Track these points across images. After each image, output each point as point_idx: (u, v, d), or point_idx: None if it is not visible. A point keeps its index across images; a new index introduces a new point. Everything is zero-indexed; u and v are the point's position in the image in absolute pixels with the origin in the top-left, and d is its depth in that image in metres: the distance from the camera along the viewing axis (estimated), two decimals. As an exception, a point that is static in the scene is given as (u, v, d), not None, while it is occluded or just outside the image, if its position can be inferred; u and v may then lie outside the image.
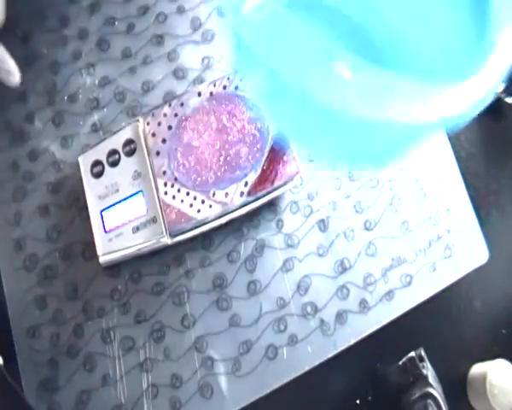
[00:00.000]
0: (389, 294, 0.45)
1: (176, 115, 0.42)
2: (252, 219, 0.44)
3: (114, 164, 0.42)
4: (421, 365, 0.82)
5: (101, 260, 0.41)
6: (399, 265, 0.46)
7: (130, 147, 0.42)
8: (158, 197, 0.41)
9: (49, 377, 0.41)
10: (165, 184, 0.41)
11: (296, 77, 0.18)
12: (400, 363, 0.84)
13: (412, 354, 0.83)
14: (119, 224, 0.41)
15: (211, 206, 0.40)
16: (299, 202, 0.46)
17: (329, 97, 0.18)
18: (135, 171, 0.41)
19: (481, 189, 0.97)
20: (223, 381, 0.42)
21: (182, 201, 0.40)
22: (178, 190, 0.41)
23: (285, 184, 0.41)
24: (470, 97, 0.20)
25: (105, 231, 0.41)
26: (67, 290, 0.43)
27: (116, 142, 0.42)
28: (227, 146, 0.41)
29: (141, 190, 0.41)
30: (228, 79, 0.42)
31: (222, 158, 0.41)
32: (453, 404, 0.83)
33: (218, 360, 0.42)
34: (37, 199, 0.44)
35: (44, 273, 0.43)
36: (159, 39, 0.47)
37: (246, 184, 0.40)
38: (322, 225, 0.45)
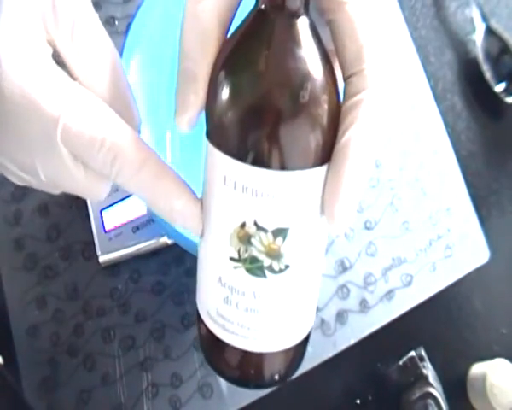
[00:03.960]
0: (389, 294, 0.45)
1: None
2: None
3: (114, 164, 0.42)
4: (421, 364, 0.82)
5: (101, 259, 0.41)
6: (400, 264, 0.46)
7: (130, 146, 0.42)
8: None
9: (49, 376, 0.41)
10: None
11: None
12: (400, 363, 0.84)
13: (412, 353, 0.83)
14: (119, 223, 0.41)
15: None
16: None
17: None
18: (135, 170, 0.41)
19: (482, 188, 0.97)
20: (223, 381, 0.42)
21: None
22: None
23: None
24: None
25: (105, 231, 0.41)
26: (67, 290, 0.43)
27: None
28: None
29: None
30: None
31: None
32: (453, 404, 0.83)
33: (218, 360, 0.42)
34: (37, 199, 0.44)
35: (44, 273, 0.43)
36: (159, 39, 0.47)
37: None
38: (323, 224, 0.45)
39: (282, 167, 0.18)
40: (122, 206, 0.41)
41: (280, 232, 0.19)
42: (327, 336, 0.44)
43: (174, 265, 0.43)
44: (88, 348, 0.42)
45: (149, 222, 0.41)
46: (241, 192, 0.18)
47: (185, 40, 0.19)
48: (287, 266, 0.20)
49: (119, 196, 0.41)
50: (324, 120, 0.18)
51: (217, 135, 0.19)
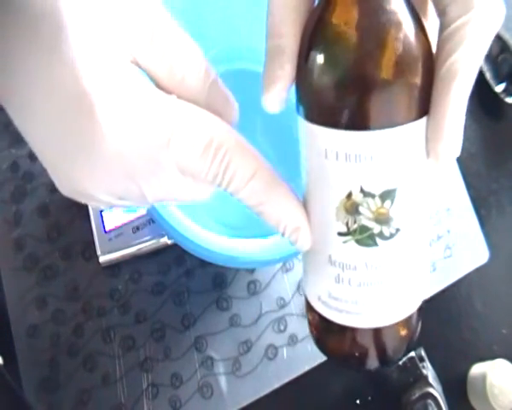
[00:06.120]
0: (389, 294, 0.45)
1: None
2: (252, 218, 0.44)
3: (114, 164, 0.42)
4: (421, 365, 0.82)
5: (101, 259, 0.41)
6: (399, 265, 0.46)
7: (131, 147, 0.42)
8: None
9: (50, 376, 0.41)
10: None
11: None
12: (400, 363, 0.84)
13: (412, 354, 0.83)
14: (119, 224, 0.41)
15: (211, 206, 0.40)
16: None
17: None
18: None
19: (481, 189, 0.97)
20: (223, 381, 0.42)
21: (182, 201, 0.40)
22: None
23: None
24: None
25: (105, 231, 0.41)
26: (67, 290, 0.43)
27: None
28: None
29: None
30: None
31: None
32: (453, 404, 0.83)
33: (217, 360, 0.42)
34: (37, 199, 0.44)
35: (44, 273, 0.43)
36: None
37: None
38: (323, 224, 0.45)
39: (385, 126, 0.17)
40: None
41: (388, 194, 0.18)
42: (327, 337, 0.44)
43: (174, 265, 0.43)
44: (88, 348, 0.42)
45: (149, 222, 0.41)
46: (344, 162, 0.18)
47: (272, 15, 0.18)
48: (397, 230, 0.19)
49: (119, 196, 0.41)
50: (421, 67, 0.17)
51: (312, 109, 0.18)
